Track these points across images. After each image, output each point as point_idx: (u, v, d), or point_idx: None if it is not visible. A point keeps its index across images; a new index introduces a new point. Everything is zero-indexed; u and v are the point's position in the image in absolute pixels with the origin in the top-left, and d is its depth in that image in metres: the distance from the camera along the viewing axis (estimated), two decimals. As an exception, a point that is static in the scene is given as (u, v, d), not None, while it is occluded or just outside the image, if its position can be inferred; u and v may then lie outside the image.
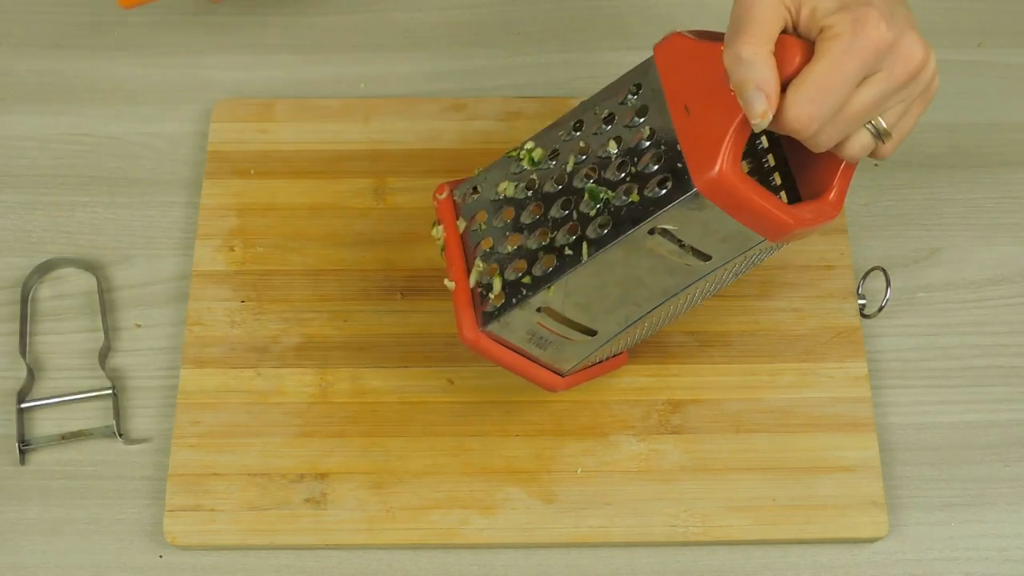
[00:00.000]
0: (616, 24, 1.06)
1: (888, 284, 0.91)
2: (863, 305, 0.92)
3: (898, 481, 0.88)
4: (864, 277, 0.93)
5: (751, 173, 0.80)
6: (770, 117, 0.66)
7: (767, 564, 0.85)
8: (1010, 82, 1.04)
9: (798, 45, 0.67)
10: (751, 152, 0.80)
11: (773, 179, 0.79)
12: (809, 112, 0.66)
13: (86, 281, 0.94)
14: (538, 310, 0.76)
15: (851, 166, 0.74)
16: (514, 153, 0.80)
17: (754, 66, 0.66)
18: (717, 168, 0.67)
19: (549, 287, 0.74)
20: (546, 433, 0.87)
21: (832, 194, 0.74)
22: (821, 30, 0.66)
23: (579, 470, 0.86)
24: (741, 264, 0.76)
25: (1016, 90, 1.04)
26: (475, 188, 0.81)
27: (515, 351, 0.79)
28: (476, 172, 0.82)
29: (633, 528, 0.84)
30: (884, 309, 0.91)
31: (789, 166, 0.79)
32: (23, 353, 0.91)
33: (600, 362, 0.85)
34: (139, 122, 1.01)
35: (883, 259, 0.95)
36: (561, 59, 1.05)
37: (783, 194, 0.78)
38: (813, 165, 0.75)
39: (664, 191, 0.70)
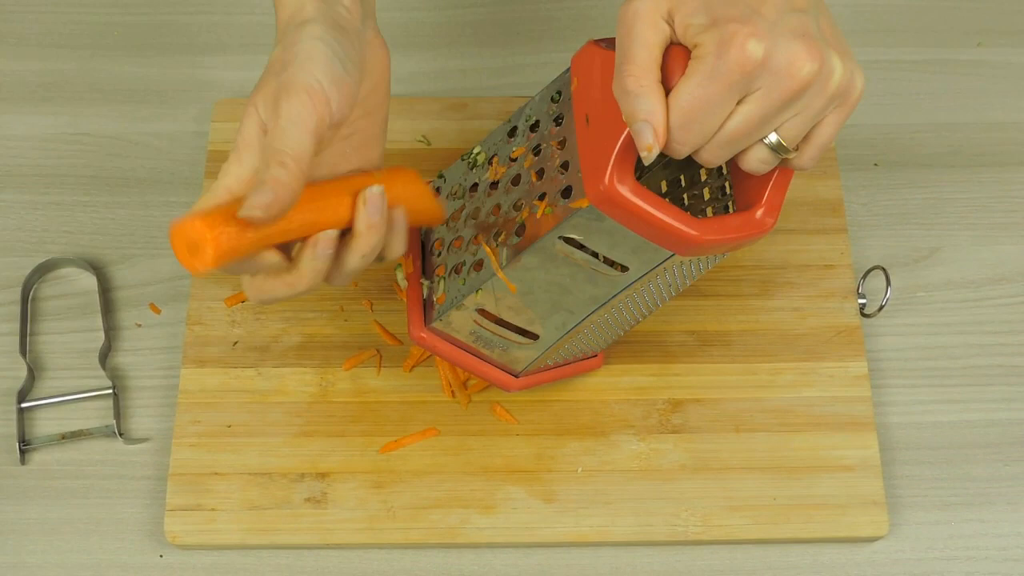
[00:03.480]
0: (616, 24, 1.06)
1: (888, 283, 0.91)
2: (863, 304, 0.92)
3: (898, 480, 0.88)
4: (864, 276, 0.93)
5: (697, 185, 0.79)
6: (657, 150, 0.64)
7: (767, 564, 0.85)
8: (1010, 82, 1.04)
9: (684, 58, 0.64)
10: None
11: (726, 191, 0.77)
12: (679, 138, 0.64)
13: (86, 281, 0.94)
14: (477, 311, 0.77)
15: (783, 180, 0.71)
16: (467, 156, 0.81)
17: (640, 98, 0.63)
18: (605, 181, 0.66)
19: (478, 290, 0.75)
20: (546, 432, 0.87)
21: (760, 208, 0.70)
22: (693, 47, 0.64)
23: (579, 469, 0.86)
24: (678, 272, 0.75)
25: (1016, 90, 1.04)
26: (437, 189, 0.82)
27: (467, 350, 0.81)
28: (439, 174, 0.82)
29: (633, 527, 0.84)
30: (884, 308, 0.91)
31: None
32: (23, 353, 0.91)
33: (566, 364, 0.85)
34: (139, 122, 1.01)
35: (883, 258, 0.95)
36: (561, 59, 1.04)
37: (731, 204, 0.76)
38: (748, 177, 0.72)
39: (566, 201, 0.70)
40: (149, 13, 1.07)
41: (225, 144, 0.97)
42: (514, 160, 0.76)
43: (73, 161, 1.00)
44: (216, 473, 0.85)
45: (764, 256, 0.93)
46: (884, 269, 0.91)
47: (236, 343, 0.90)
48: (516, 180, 0.76)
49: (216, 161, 0.96)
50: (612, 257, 0.72)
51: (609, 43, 0.69)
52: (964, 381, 0.92)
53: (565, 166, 0.71)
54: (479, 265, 0.75)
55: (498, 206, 0.76)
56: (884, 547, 0.86)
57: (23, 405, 0.89)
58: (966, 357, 0.93)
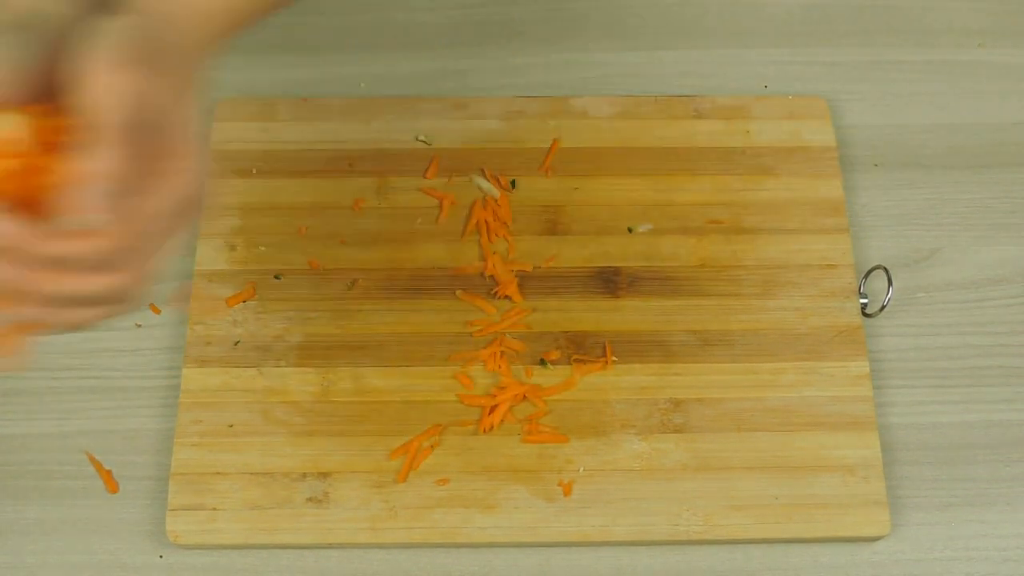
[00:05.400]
0: (616, 24, 1.06)
1: (890, 283, 0.91)
2: (865, 304, 0.92)
3: (899, 481, 0.88)
4: (866, 276, 0.93)
5: None
6: None
7: (768, 564, 0.85)
8: (1010, 82, 1.04)
9: None
10: None
11: None
12: None
13: (87, 280, 0.94)
14: None
15: None
16: None
17: None
18: None
19: None
20: (548, 432, 0.87)
21: None
22: None
23: (581, 469, 0.86)
24: None
25: (1016, 90, 1.04)
26: None
27: None
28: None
29: (635, 527, 0.84)
30: (886, 308, 0.91)
31: None
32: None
33: None
34: (139, 121, 1.01)
35: (884, 259, 0.95)
36: (561, 59, 1.05)
37: None
38: None
39: None
40: (149, 13, 1.07)
41: (227, 144, 0.97)
42: None
43: (73, 161, 0.99)
44: (218, 473, 0.85)
45: (766, 256, 0.93)
46: (886, 268, 0.91)
47: (238, 343, 0.89)
48: None
49: (218, 160, 0.96)
50: None
51: None
52: (965, 382, 0.92)
53: None
54: None
55: None
56: (884, 548, 0.86)
57: (23, 405, 0.89)
58: (967, 358, 0.93)
